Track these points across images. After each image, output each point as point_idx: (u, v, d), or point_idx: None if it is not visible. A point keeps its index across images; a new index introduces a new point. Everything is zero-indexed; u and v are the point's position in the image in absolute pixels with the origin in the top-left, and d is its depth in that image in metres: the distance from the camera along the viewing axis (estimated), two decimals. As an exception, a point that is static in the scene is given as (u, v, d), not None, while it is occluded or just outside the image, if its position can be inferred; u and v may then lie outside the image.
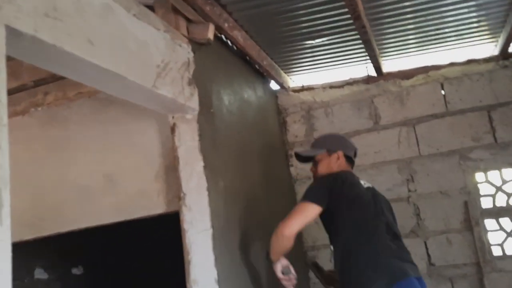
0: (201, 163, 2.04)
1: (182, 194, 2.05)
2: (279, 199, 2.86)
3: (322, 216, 1.95)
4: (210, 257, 1.94)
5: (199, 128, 2.07)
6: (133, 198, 2.27)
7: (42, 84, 2.51)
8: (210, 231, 1.96)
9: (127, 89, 1.70)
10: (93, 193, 2.35)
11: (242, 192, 2.31)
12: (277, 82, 3.20)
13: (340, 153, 2.13)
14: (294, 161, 3.26)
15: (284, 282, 2.00)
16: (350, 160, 2.18)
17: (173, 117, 2.10)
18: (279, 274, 1.99)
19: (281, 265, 1.99)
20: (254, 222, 2.37)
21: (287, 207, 3.11)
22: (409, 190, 2.94)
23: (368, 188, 2.05)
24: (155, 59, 1.79)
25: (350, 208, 1.89)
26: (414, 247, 2.86)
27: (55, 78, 2.47)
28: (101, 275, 3.57)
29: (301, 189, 3.20)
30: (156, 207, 2.22)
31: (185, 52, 2.06)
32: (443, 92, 2.95)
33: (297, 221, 1.88)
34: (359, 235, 1.86)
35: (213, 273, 1.93)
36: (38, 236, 2.43)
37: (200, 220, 1.99)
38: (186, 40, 2.12)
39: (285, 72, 3.25)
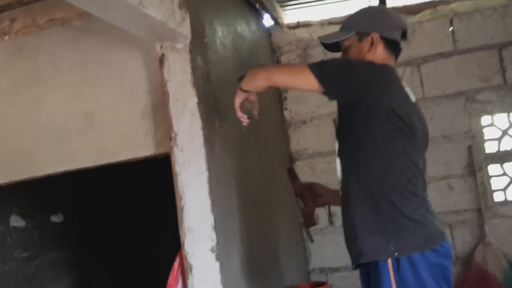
0: (195, 99, 1.80)
1: (173, 134, 1.82)
2: (272, 145, 2.67)
3: (342, 109, 1.51)
4: (206, 202, 1.75)
5: (191, 59, 1.81)
6: (117, 139, 2.03)
7: (8, 10, 2.19)
8: (206, 173, 1.76)
9: (110, 6, 1.43)
10: (70, 134, 2.09)
11: (236, 134, 2.10)
12: (271, 16, 2.92)
13: (375, 36, 1.50)
14: (288, 104, 3.05)
15: (239, 115, 1.68)
16: (393, 46, 1.55)
17: (161, 47, 1.84)
18: (238, 104, 1.66)
19: (247, 100, 1.66)
20: (247, 167, 2.18)
21: (281, 153, 2.97)
22: (411, 134, 2.78)
23: (414, 106, 1.55)
24: (141, -27, 1.50)
25: (394, 136, 1.41)
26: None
27: (23, 3, 2.15)
28: (83, 223, 3.37)
29: (295, 135, 3.01)
30: (144, 148, 1.99)
31: (175, -31, 1.77)
32: (451, 28, 2.74)
33: (285, 80, 1.52)
34: (395, 174, 1.41)
35: (209, 219, 1.75)
36: (11, 181, 2.20)
37: (194, 162, 1.78)
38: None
39: (280, 6, 2.97)
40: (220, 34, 2.14)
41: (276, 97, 3.01)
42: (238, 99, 1.66)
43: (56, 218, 3.23)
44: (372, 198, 1.43)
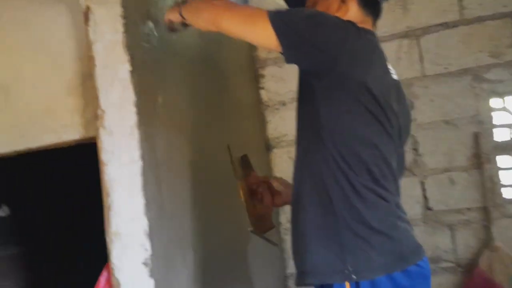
0: (127, 66, 1.39)
1: (99, 112, 1.41)
2: (243, 129, 2.25)
3: (302, 81, 1.18)
4: (139, 201, 1.35)
5: (123, 15, 1.39)
6: (38, 119, 1.62)
7: None
8: (139, 164, 1.36)
9: None
10: (-16, 112, 1.68)
11: (190, 114, 1.69)
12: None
13: None
14: (265, 82, 2.63)
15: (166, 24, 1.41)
16: (371, 5, 1.24)
17: (85, -2, 1.42)
18: (167, 20, 1.39)
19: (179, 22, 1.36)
20: (205, 156, 1.76)
21: (255, 140, 2.57)
22: (407, 119, 2.37)
23: (396, 85, 1.27)
24: None
25: (362, 121, 1.10)
26: (408, 188, 2.35)
27: None
28: (32, 216, 2.96)
29: (273, 118, 2.61)
30: (70, 130, 1.58)
31: None
32: (457, -6, 2.32)
33: (235, 28, 1.18)
34: (358, 171, 1.08)
35: (142, 223, 1.35)
36: None
37: (125, 149, 1.38)
38: None
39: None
40: (172, -10, 1.72)
41: (250, 74, 2.59)
42: (171, 17, 1.37)
43: (0, 212, 2.82)
44: (328, 200, 1.09)
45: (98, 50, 1.41)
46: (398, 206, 1.17)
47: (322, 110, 1.10)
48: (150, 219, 1.35)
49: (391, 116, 1.17)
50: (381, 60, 1.21)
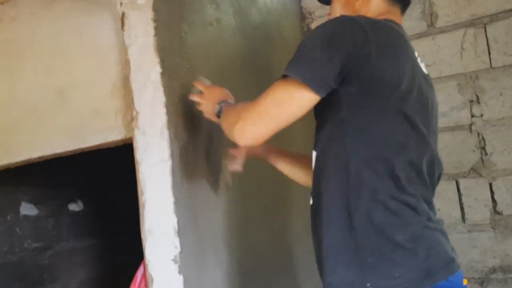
0: (158, 68, 1.42)
1: (134, 113, 1.47)
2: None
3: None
4: (168, 199, 1.38)
5: (155, 18, 1.43)
6: (87, 120, 1.72)
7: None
8: (169, 163, 1.39)
9: None
10: (44, 114, 1.83)
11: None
12: (300, -26, 2.44)
13: None
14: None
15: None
16: None
17: (121, 4, 1.48)
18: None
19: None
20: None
21: (303, 133, 2.48)
22: (473, 115, 2.17)
23: (426, 79, 1.20)
24: None
25: (394, 118, 1.02)
26: (474, 190, 2.16)
27: (-6, -33, 1.91)
28: (103, 211, 3.17)
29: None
30: (114, 131, 1.66)
31: None
32: (531, -25, 2.08)
33: (266, 124, 1.03)
34: (385, 175, 1.00)
35: (171, 221, 1.37)
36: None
37: (156, 148, 1.42)
38: None
39: (310, -39, 2.47)
40: (210, -10, 1.73)
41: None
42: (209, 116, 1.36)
43: (75, 207, 3.05)
44: (347, 215, 1.01)
45: (133, 54, 1.46)
46: (427, 213, 1.07)
47: (347, 116, 1.04)
48: (179, 217, 1.37)
49: (423, 114, 1.09)
50: (407, 51, 1.11)
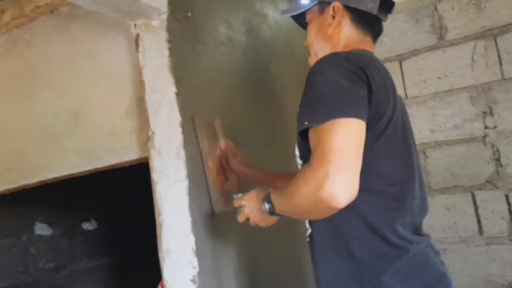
0: (173, 89, 1.44)
1: (150, 133, 1.48)
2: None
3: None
4: (186, 219, 1.38)
5: (169, 39, 1.45)
6: (102, 141, 1.73)
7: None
8: (185, 182, 1.39)
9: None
10: (59, 135, 1.85)
11: (238, 135, 1.69)
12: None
13: (337, 5, 1.13)
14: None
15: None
16: (368, 22, 1.15)
17: (135, 26, 1.50)
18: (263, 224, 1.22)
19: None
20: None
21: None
22: (486, 127, 2.16)
23: (401, 105, 1.15)
24: None
25: (386, 149, 1.00)
26: (491, 202, 2.14)
27: (6, -9, 1.95)
28: (119, 230, 3.17)
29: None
30: (129, 151, 1.67)
31: None
32: (541, -14, 2.08)
33: (351, 171, 0.87)
34: (382, 202, 1.00)
35: (190, 241, 1.37)
36: (6, 189, 2.01)
37: (173, 168, 1.42)
38: None
39: (318, -22, 2.49)
40: (222, 9, 1.76)
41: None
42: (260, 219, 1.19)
43: (88, 226, 3.06)
44: (341, 245, 1.02)
45: (147, 75, 1.48)
46: (417, 238, 1.06)
47: None
48: (197, 237, 1.37)
49: (408, 139, 1.09)
50: (383, 75, 1.06)
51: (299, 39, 2.46)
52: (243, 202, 1.19)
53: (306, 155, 1.04)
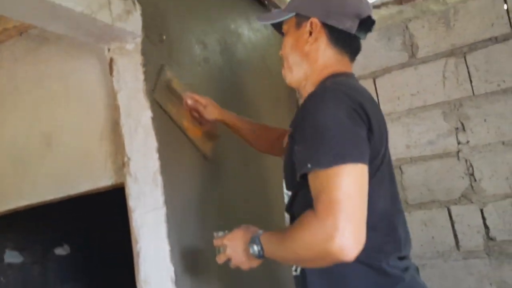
0: (149, 113, 1.41)
1: (125, 159, 1.44)
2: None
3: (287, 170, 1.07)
4: (164, 248, 1.34)
5: (144, 63, 1.42)
6: (76, 166, 1.68)
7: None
8: (163, 210, 1.36)
9: None
10: (30, 160, 1.79)
11: (219, 159, 1.67)
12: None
13: (315, 21, 1.10)
14: (307, 111, 2.57)
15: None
16: (346, 41, 1.11)
17: (109, 50, 1.47)
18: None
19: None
20: (233, 200, 1.73)
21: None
22: (459, 142, 2.20)
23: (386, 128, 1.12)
24: (48, -50, 1.14)
25: (376, 180, 0.97)
26: (466, 216, 2.17)
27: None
28: (89, 255, 3.07)
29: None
30: (104, 177, 1.62)
31: (117, -50, 1.40)
32: (506, 6, 2.14)
33: (357, 219, 0.85)
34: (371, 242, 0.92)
35: (168, 270, 1.33)
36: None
37: (150, 195, 1.38)
38: None
39: (292, -3, 2.51)
40: (197, 31, 1.74)
41: (290, 105, 2.55)
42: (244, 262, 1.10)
43: (61, 251, 2.96)
44: (335, 282, 0.99)
45: (122, 99, 1.45)
46: (404, 264, 1.05)
47: None
48: (176, 266, 1.34)
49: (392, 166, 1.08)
50: (375, 106, 1.05)
51: (274, 56, 2.47)
52: (225, 242, 1.12)
53: (296, 187, 1.03)
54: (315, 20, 1.09)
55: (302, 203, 0.98)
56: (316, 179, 0.89)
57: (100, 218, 3.06)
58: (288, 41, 1.16)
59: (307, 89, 1.12)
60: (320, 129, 0.90)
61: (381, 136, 1.00)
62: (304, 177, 0.93)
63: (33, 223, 2.65)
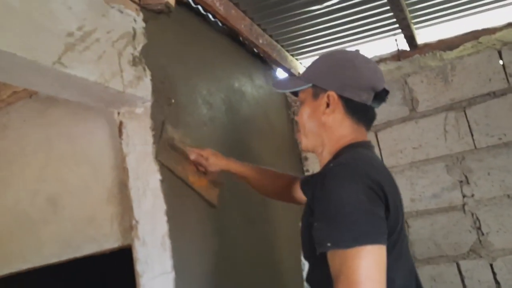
0: (157, 176, 1.41)
1: (134, 222, 1.43)
2: (290, 218, 2.19)
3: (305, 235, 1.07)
4: (173, 316, 1.31)
5: (153, 126, 1.45)
6: (82, 228, 1.67)
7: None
8: (171, 275, 1.34)
9: (17, 67, 1.10)
10: (34, 222, 1.77)
11: (227, 215, 1.67)
12: (283, 67, 2.55)
13: (332, 94, 1.12)
14: (309, 165, 2.59)
15: None
16: (362, 111, 1.13)
17: (119, 113, 1.50)
18: None
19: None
20: (245, 265, 1.71)
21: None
22: (464, 196, 2.20)
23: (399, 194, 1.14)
24: (64, 23, 1.18)
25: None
26: (476, 271, 2.14)
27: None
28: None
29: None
30: (109, 239, 1.61)
31: (128, 20, 1.45)
32: (501, 62, 2.21)
33: None
34: None
35: None
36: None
37: (158, 259, 1.36)
38: (134, 5, 1.51)
39: (292, 54, 2.60)
40: (204, 92, 1.78)
41: (294, 159, 2.57)
42: None
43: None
44: None
45: (131, 162, 1.45)
46: None
47: None
48: (184, 334, 1.30)
49: (407, 240, 1.08)
50: (392, 181, 1.07)
51: (276, 111, 2.51)
52: None
53: (314, 259, 1.02)
54: (332, 93, 1.12)
55: (322, 275, 0.98)
56: (335, 259, 0.90)
57: (106, 279, 3.00)
58: (306, 110, 1.18)
59: (324, 156, 1.15)
60: (339, 209, 0.91)
61: (397, 213, 1.01)
62: (324, 253, 0.94)
63: (36, 284, 2.59)
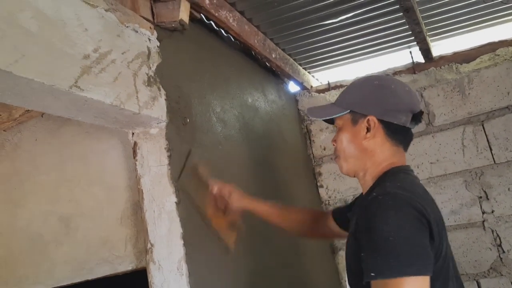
0: (173, 198, 1.38)
1: (149, 245, 1.39)
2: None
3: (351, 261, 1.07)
4: None
5: (168, 147, 1.42)
6: (95, 250, 1.64)
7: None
8: (189, 301, 1.30)
9: (30, 91, 1.08)
10: (47, 244, 1.75)
11: (247, 238, 1.63)
12: (295, 81, 2.52)
13: (372, 119, 1.13)
14: (323, 180, 2.55)
15: None
16: (401, 133, 1.13)
17: (133, 134, 1.47)
18: None
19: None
20: (261, 279, 1.67)
21: (318, 243, 2.41)
22: (484, 212, 2.15)
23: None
24: (80, 46, 1.16)
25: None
26: (497, 290, 2.07)
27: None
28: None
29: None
30: (123, 261, 1.58)
31: (143, 39, 1.43)
32: (520, 74, 2.17)
33: None
34: None
35: None
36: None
37: (174, 284, 1.33)
38: (148, 24, 1.49)
39: (305, 68, 2.57)
40: (218, 109, 1.75)
41: (308, 173, 2.53)
42: None
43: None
44: None
45: (146, 183, 1.42)
46: None
47: None
48: None
49: (448, 249, 1.07)
50: (434, 206, 1.07)
51: (289, 126, 2.48)
52: None
53: (358, 287, 1.04)
54: (373, 118, 1.13)
55: None
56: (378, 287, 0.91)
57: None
58: (345, 135, 1.18)
59: (367, 180, 1.16)
60: (384, 239, 0.92)
61: (441, 238, 1.00)
62: (368, 282, 0.94)
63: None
